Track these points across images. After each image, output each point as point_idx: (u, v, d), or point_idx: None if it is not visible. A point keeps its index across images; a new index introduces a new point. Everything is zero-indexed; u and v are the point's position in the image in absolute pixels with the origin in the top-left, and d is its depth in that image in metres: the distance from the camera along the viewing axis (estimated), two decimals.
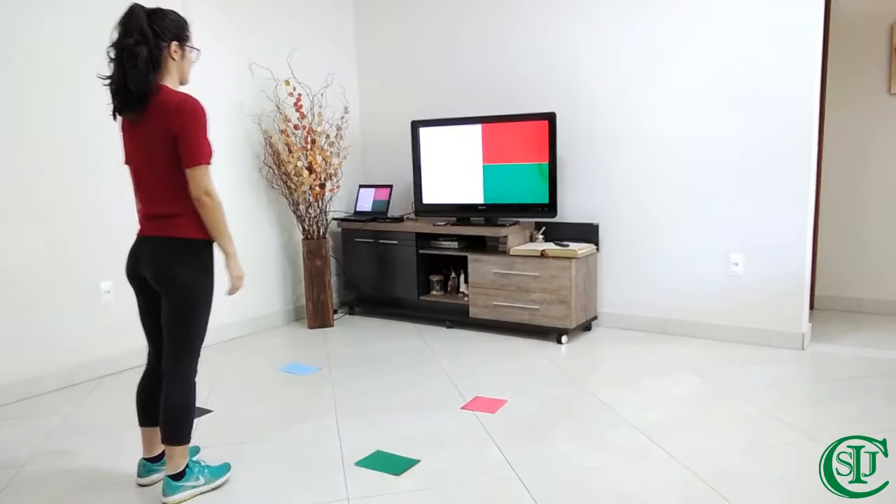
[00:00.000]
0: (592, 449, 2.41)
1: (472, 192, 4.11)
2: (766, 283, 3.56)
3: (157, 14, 2.04)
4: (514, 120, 3.93)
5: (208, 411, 2.88)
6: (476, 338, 3.92)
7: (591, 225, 3.99)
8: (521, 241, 4.01)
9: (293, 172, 4.01)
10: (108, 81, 2.04)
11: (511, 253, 3.85)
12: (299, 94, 4.14)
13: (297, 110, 4.12)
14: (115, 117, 2.11)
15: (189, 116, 2.00)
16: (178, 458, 2.12)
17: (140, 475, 2.26)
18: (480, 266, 3.94)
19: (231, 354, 3.74)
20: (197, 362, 2.17)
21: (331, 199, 4.33)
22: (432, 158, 4.22)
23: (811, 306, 4.10)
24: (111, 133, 3.37)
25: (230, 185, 4.01)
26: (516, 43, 4.18)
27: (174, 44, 2.08)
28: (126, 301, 3.47)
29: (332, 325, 4.27)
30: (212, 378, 3.33)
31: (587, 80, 3.96)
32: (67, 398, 3.09)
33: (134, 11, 2.01)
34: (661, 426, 2.58)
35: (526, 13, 4.12)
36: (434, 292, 4.31)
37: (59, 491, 2.22)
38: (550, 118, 3.81)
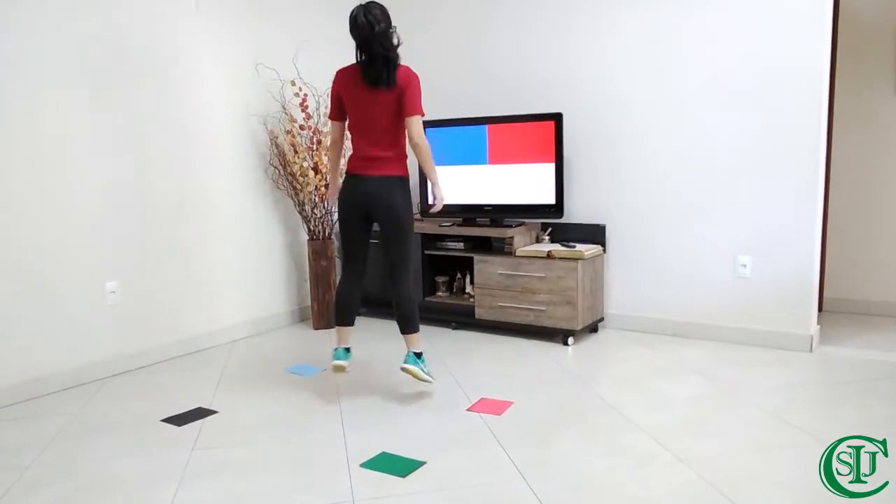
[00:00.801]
0: (599, 451, 2.39)
1: (478, 192, 4.10)
2: (774, 284, 3.53)
3: (377, 6, 2.70)
4: (520, 120, 3.92)
5: (214, 412, 2.87)
6: (482, 339, 3.91)
7: (597, 226, 3.98)
8: (527, 242, 4.00)
9: (299, 173, 4.01)
10: (364, 60, 2.71)
11: (517, 254, 3.83)
12: (305, 95, 4.14)
13: (302, 111, 4.12)
14: (376, 85, 2.70)
15: (412, 79, 2.76)
16: (416, 342, 2.90)
17: (339, 358, 2.89)
18: (486, 267, 3.92)
19: (237, 355, 3.73)
20: (412, 271, 2.89)
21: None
22: (438, 159, 4.21)
23: (819, 308, 4.07)
24: (118, 133, 3.39)
25: (236, 185, 4.01)
26: (522, 44, 4.16)
27: (391, 30, 2.73)
28: (132, 301, 3.49)
29: (332, 326, 4.25)
30: (217, 378, 3.32)
31: (594, 81, 3.95)
32: (73, 398, 3.10)
33: (369, 7, 2.67)
34: (668, 428, 2.56)
35: (533, 14, 4.10)
36: (439, 293, 4.30)
37: (65, 492, 2.22)
38: (557, 119, 3.80)
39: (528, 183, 3.93)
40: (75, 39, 3.18)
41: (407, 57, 4.66)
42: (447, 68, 4.49)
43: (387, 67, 2.69)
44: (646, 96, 3.79)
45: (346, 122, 2.90)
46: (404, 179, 2.83)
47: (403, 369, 2.85)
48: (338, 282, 3.00)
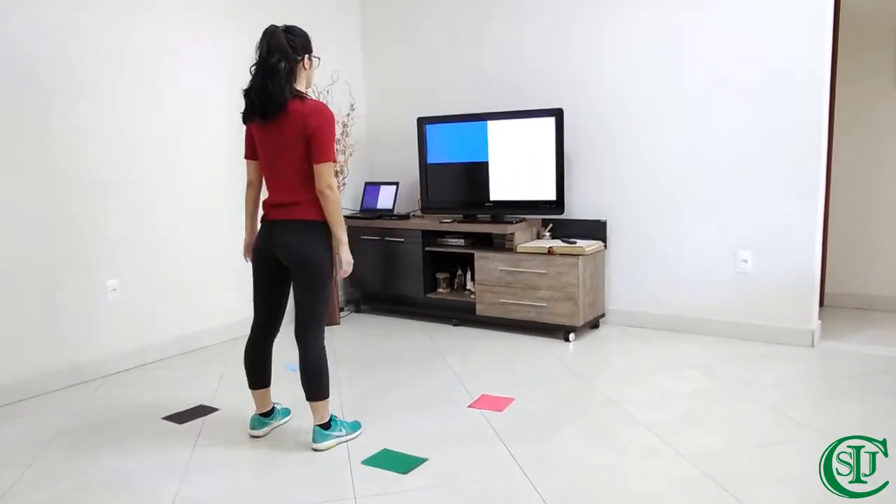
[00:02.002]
0: (600, 447, 2.39)
1: (478, 189, 4.10)
2: (775, 279, 3.53)
3: (291, 31, 2.38)
4: (520, 116, 3.91)
5: (214, 409, 2.88)
6: (483, 335, 3.91)
7: (598, 222, 3.97)
8: (528, 239, 3.99)
9: None
10: (246, 89, 2.37)
11: (518, 250, 3.83)
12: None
13: None
14: (245, 121, 2.42)
15: (322, 121, 2.34)
16: (322, 410, 2.47)
17: (254, 427, 2.59)
18: (487, 263, 3.92)
19: (237, 352, 3.74)
20: (324, 327, 2.50)
21: None
22: (439, 156, 4.21)
23: (821, 303, 4.07)
24: (120, 133, 3.38)
25: (236, 183, 3.98)
26: (523, 39, 4.15)
27: (305, 56, 2.41)
28: (132, 299, 3.49)
29: (338, 323, 4.26)
30: (218, 376, 3.33)
31: (594, 77, 3.93)
32: (75, 396, 3.10)
33: (275, 32, 2.33)
34: (669, 424, 2.56)
35: (533, 9, 4.09)
36: (440, 290, 4.30)
37: (68, 489, 2.22)
38: (557, 114, 3.79)
39: (528, 179, 3.93)
40: (80, 41, 3.18)
41: (408, 53, 4.67)
42: (447, 64, 4.48)
43: (272, 107, 2.32)
44: (646, 92, 3.78)
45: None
46: (321, 225, 2.41)
47: (315, 451, 2.45)
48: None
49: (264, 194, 2.55)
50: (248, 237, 2.65)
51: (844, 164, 4.18)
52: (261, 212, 2.54)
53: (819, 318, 3.59)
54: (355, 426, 2.58)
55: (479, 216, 4.17)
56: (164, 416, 2.82)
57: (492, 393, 2.95)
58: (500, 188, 4.03)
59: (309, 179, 2.39)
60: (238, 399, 2.99)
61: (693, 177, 3.70)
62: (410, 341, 3.84)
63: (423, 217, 4.39)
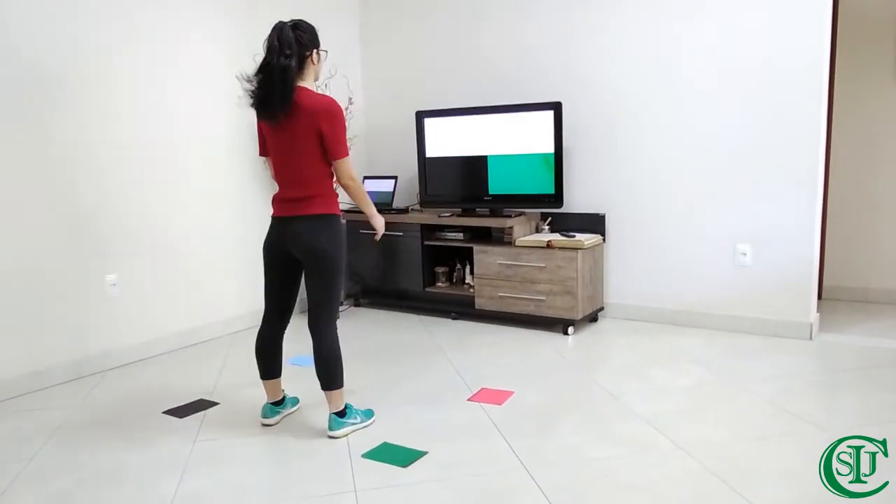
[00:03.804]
0: (599, 440, 2.40)
1: (477, 182, 4.09)
2: (774, 272, 3.53)
3: (299, 27, 2.39)
4: (519, 110, 3.90)
5: (215, 403, 2.88)
6: (482, 329, 3.92)
7: (597, 215, 3.97)
8: (526, 232, 3.99)
9: None
10: (254, 89, 2.36)
11: (517, 244, 3.83)
12: None
13: None
14: (260, 118, 2.43)
15: (333, 117, 2.37)
16: (337, 399, 2.51)
17: (266, 416, 2.63)
18: (486, 257, 3.92)
19: (238, 347, 3.74)
20: (337, 318, 2.57)
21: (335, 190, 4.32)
22: (439, 150, 4.20)
23: (819, 296, 4.07)
24: (119, 127, 3.37)
25: (234, 176, 4.00)
26: (522, 33, 4.14)
27: (313, 51, 2.43)
28: (131, 294, 3.49)
29: (338, 317, 4.25)
30: (219, 370, 3.33)
31: (593, 70, 3.93)
32: (75, 391, 3.10)
33: (283, 28, 2.35)
34: (668, 417, 2.57)
35: (532, 2, 4.08)
36: (439, 284, 4.30)
37: (69, 483, 2.23)
38: (556, 108, 3.78)
39: (527, 172, 3.92)
40: (73, 33, 3.17)
41: (406, 47, 4.66)
42: (446, 58, 4.47)
43: (282, 105, 2.33)
44: (646, 86, 3.77)
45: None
46: (329, 217, 2.45)
47: (331, 437, 2.49)
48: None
49: (274, 189, 2.56)
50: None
51: (843, 158, 4.18)
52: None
53: (818, 311, 3.60)
54: (369, 414, 2.63)
55: (477, 210, 4.17)
56: (164, 410, 2.82)
57: (491, 386, 2.96)
58: (500, 182, 4.02)
59: (320, 174, 2.43)
60: (238, 393, 2.99)
61: (692, 170, 3.70)
62: (409, 335, 3.84)
63: (421, 211, 4.39)
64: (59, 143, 3.15)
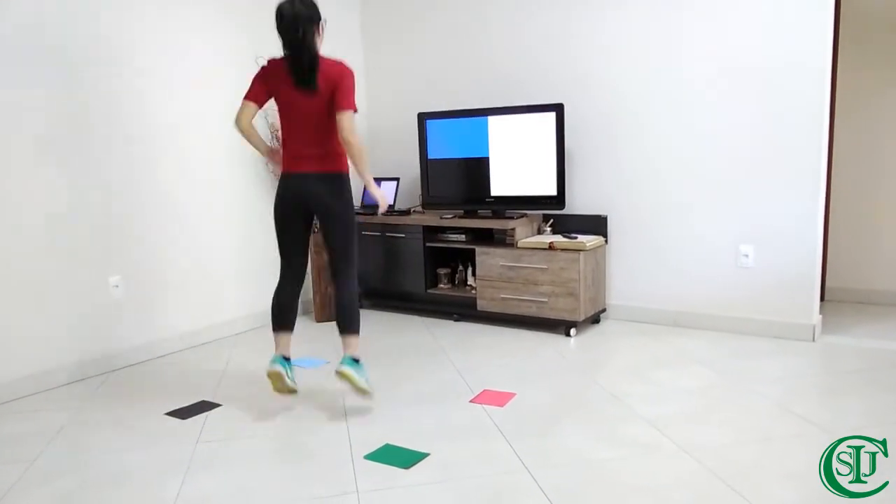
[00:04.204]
0: (602, 442, 2.40)
1: (479, 184, 4.10)
2: (776, 274, 3.53)
3: (302, 2, 2.56)
4: (521, 111, 3.91)
5: (217, 405, 2.88)
6: (484, 331, 3.92)
7: (599, 217, 3.97)
8: (528, 234, 3.99)
9: None
10: (289, 62, 2.58)
11: (519, 245, 3.83)
12: None
13: None
14: (302, 86, 2.60)
15: (347, 75, 2.63)
16: (355, 344, 2.72)
17: (272, 363, 2.69)
18: (488, 259, 3.92)
19: (239, 348, 3.74)
20: (356, 269, 2.78)
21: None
22: (441, 151, 4.21)
23: (822, 297, 4.07)
24: (120, 127, 3.38)
25: (236, 178, 4.01)
26: (524, 34, 4.14)
27: (319, 23, 2.63)
28: (134, 295, 3.49)
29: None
30: (221, 372, 3.33)
31: (595, 71, 3.93)
32: (78, 392, 3.11)
33: (293, 3, 2.54)
34: (670, 418, 2.56)
35: (534, 4, 4.08)
36: (441, 285, 4.30)
37: (72, 485, 2.23)
38: (558, 109, 3.79)
39: (529, 174, 3.93)
40: (75, 35, 3.18)
41: (408, 48, 4.66)
42: (448, 60, 4.48)
43: (313, 72, 2.58)
44: (647, 87, 3.77)
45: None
46: (344, 175, 2.71)
47: (339, 373, 2.63)
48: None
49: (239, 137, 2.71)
50: (265, 147, 2.81)
51: (846, 158, 4.17)
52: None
53: (820, 313, 3.59)
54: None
55: (479, 211, 4.17)
56: (167, 411, 2.83)
57: (493, 388, 2.96)
58: (502, 183, 4.03)
59: (334, 133, 2.64)
60: (241, 394, 2.99)
61: (694, 171, 3.70)
62: (411, 337, 3.84)
63: (423, 212, 4.39)
64: (58, 145, 3.16)
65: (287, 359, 2.76)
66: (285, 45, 2.57)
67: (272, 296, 2.81)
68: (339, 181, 2.69)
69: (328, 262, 2.80)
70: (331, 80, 2.60)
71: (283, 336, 2.78)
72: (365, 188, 2.78)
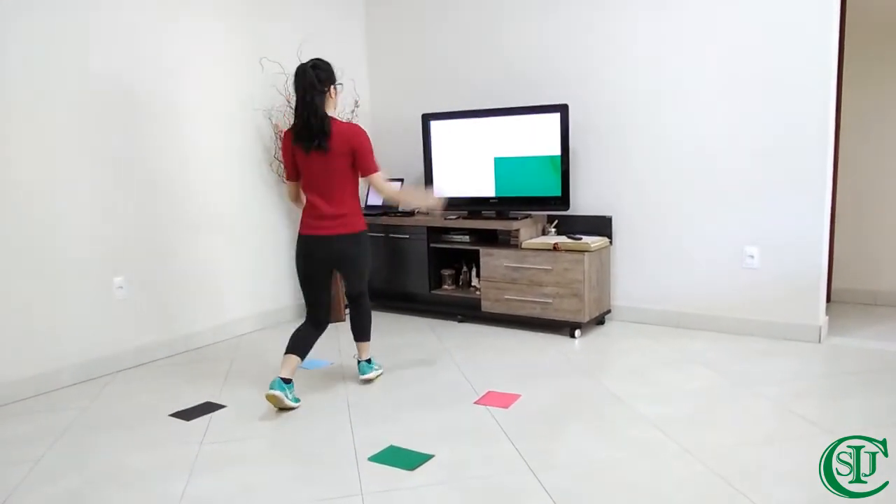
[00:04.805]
0: (606, 443, 2.39)
1: (483, 185, 4.09)
2: (781, 275, 3.52)
3: (317, 67, 2.76)
4: (525, 112, 3.90)
5: (222, 406, 2.89)
6: (488, 332, 3.91)
7: (604, 218, 3.96)
8: (533, 235, 3.99)
9: None
10: (297, 126, 2.76)
11: (523, 246, 3.83)
12: None
13: None
14: (306, 152, 2.77)
15: (362, 138, 2.82)
16: (366, 349, 3.13)
17: (272, 388, 2.72)
18: (492, 260, 3.92)
19: (243, 349, 3.75)
20: (368, 292, 3.12)
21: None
22: (443, 151, 4.20)
23: (828, 299, 4.04)
24: (122, 130, 3.39)
25: (240, 179, 4.01)
26: (529, 35, 4.14)
27: (331, 87, 2.81)
28: (138, 296, 3.50)
29: (343, 320, 4.26)
30: (225, 373, 3.34)
31: (600, 72, 3.92)
32: (83, 393, 3.12)
33: (305, 72, 2.73)
34: (674, 420, 2.55)
35: (540, 4, 4.08)
36: (445, 286, 4.30)
37: (76, 484, 2.24)
38: (562, 110, 3.78)
39: (533, 175, 3.92)
40: (81, 38, 3.19)
41: (412, 49, 4.67)
42: (452, 60, 4.47)
43: (322, 133, 2.73)
44: (653, 89, 3.76)
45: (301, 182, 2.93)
46: (364, 232, 2.93)
47: (366, 380, 3.08)
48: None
49: (291, 209, 2.78)
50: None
51: (851, 159, 4.16)
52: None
53: (826, 314, 3.58)
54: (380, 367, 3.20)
55: (483, 212, 4.16)
56: (171, 412, 2.83)
57: (498, 389, 2.96)
58: (506, 184, 4.02)
59: (352, 192, 2.87)
60: (245, 396, 3.00)
61: (699, 173, 3.69)
62: (416, 338, 3.84)
63: (427, 213, 4.38)
64: (62, 146, 3.17)
65: (287, 381, 2.79)
66: (296, 105, 2.76)
67: (295, 331, 2.94)
68: (361, 238, 2.92)
69: (346, 292, 3.10)
70: (345, 140, 2.76)
71: (291, 360, 2.83)
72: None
